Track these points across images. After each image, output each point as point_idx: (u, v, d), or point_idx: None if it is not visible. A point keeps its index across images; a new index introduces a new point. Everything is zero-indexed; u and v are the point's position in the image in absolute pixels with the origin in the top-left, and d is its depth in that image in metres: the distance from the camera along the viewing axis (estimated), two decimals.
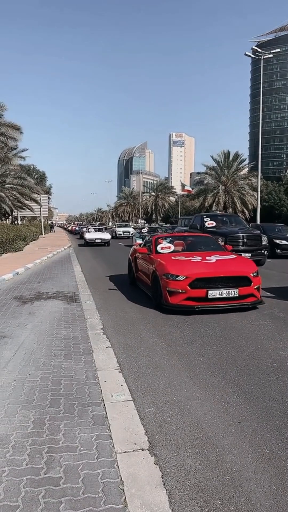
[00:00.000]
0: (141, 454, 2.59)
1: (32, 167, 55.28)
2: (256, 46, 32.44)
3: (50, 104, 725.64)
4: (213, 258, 7.21)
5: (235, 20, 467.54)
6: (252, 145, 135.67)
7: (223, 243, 12.23)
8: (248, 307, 6.69)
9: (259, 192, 31.81)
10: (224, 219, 15.42)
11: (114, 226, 44.29)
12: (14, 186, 29.51)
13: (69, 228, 74.77)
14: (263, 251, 12.85)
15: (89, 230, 29.67)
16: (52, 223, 77.56)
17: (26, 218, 44.86)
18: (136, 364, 4.36)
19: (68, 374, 3.90)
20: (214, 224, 14.09)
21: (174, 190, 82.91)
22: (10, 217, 37.29)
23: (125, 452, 2.60)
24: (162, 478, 2.39)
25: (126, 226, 43.70)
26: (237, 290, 6.50)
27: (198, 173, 51.92)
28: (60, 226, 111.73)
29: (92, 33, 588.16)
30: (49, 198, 53.36)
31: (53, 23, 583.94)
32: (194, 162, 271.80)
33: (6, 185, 29.01)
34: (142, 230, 25.31)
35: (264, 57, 29.78)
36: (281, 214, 51.59)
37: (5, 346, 4.82)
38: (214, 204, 41.14)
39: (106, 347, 4.76)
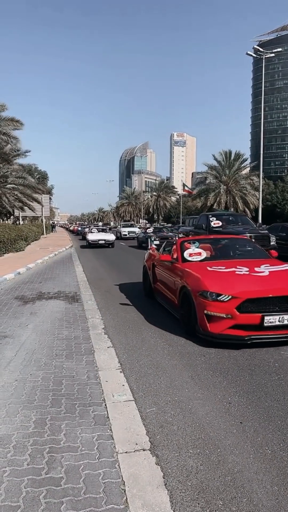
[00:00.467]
0: (142, 455, 2.58)
1: (33, 166, 55.33)
2: (257, 46, 32.34)
3: (50, 104, 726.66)
4: (264, 270, 5.52)
5: (236, 20, 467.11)
6: (253, 145, 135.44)
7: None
8: None
9: (260, 192, 31.75)
10: (230, 218, 15.08)
11: (119, 226, 41.98)
12: (16, 186, 29.54)
13: (71, 228, 74.80)
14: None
15: (92, 231, 27.55)
16: (54, 223, 77.56)
17: (27, 218, 44.89)
18: (138, 364, 4.35)
19: (69, 374, 3.89)
20: (220, 223, 13.76)
21: (175, 190, 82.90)
22: (11, 217, 37.35)
23: (126, 452, 2.59)
24: (164, 478, 2.38)
25: (131, 226, 40.74)
26: None
27: (200, 172, 51.80)
28: (61, 226, 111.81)
29: (93, 33, 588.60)
30: (50, 198, 53.38)
31: (53, 23, 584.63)
32: (196, 161, 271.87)
33: (8, 185, 29.05)
34: (147, 230, 24.98)
35: (266, 56, 29.72)
36: (283, 214, 51.49)
37: (7, 346, 4.82)
38: (215, 204, 41.11)
39: (108, 347, 4.76)
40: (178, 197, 76.56)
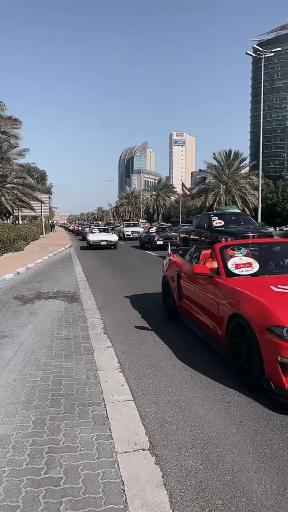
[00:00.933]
0: (141, 454, 2.58)
1: (32, 166, 55.29)
2: (257, 45, 32.36)
3: (50, 105, 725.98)
4: None
5: (236, 19, 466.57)
6: (253, 144, 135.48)
7: None
8: None
9: (260, 191, 31.76)
10: (232, 217, 14.91)
11: (122, 226, 39.52)
12: (15, 185, 29.54)
13: (70, 227, 74.72)
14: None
15: (92, 231, 25.09)
16: (53, 222, 77.53)
17: (27, 218, 44.88)
18: (137, 363, 4.35)
19: (68, 374, 3.89)
20: (223, 223, 13.60)
21: (175, 190, 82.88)
22: (11, 216, 37.33)
23: (125, 452, 2.59)
24: (163, 478, 2.38)
25: (135, 225, 38.31)
26: None
27: (199, 171, 51.82)
28: (61, 226, 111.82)
29: (93, 34, 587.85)
30: (49, 197, 53.33)
31: (53, 24, 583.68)
32: (195, 161, 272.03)
33: (7, 185, 29.05)
34: (150, 230, 24.19)
35: (265, 55, 29.71)
36: (283, 213, 51.52)
37: (6, 346, 4.81)
38: (215, 204, 41.12)
39: (107, 347, 4.75)
40: (177, 196, 76.57)
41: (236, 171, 43.58)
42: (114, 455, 2.55)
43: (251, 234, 12.17)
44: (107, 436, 2.77)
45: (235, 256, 4.84)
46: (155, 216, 78.77)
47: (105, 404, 3.24)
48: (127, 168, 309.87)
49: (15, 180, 29.49)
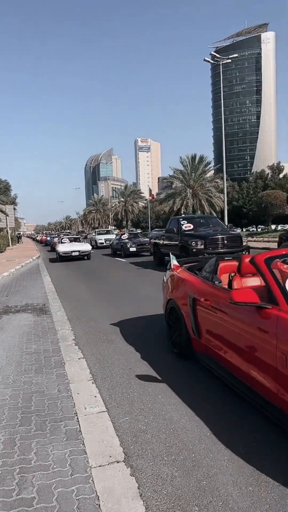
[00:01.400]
0: (116, 467, 2.53)
1: None
2: (214, 52, 33.14)
3: (13, 112, 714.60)
4: None
5: (199, 25, 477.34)
6: (216, 148, 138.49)
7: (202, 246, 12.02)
8: None
9: (225, 194, 32.42)
10: (201, 221, 15.12)
11: (94, 234, 36.52)
12: None
13: (38, 238, 73.22)
14: (244, 252, 12.48)
15: (62, 241, 22.80)
16: (20, 233, 75.92)
17: None
18: (110, 373, 4.30)
19: (39, 389, 3.79)
20: (192, 226, 13.77)
21: (142, 195, 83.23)
22: None
23: (100, 466, 2.54)
24: (139, 489, 2.35)
25: (108, 233, 35.99)
26: None
27: (166, 177, 52.38)
28: (28, 237, 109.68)
29: (56, 39, 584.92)
30: (14, 208, 52.20)
31: (15, 32, 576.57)
32: (161, 166, 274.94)
33: None
34: (122, 237, 23.30)
35: (223, 62, 30.50)
36: (249, 214, 52.73)
37: None
38: (182, 208, 41.58)
39: (79, 358, 4.67)
40: (145, 202, 76.94)
41: (202, 175, 44.27)
42: (88, 470, 2.50)
43: (220, 236, 12.40)
44: (81, 451, 2.71)
45: None
46: (124, 223, 78.76)
47: (78, 418, 3.17)
48: (93, 176, 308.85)
49: None
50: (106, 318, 6.93)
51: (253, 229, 58.02)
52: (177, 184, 44.16)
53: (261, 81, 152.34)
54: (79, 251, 20.61)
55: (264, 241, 27.54)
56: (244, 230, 54.06)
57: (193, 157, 44.48)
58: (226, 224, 15.87)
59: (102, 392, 3.76)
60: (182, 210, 40.50)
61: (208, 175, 45.74)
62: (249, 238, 30.74)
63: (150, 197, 50.41)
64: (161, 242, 15.18)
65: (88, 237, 40.79)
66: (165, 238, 14.81)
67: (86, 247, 21.09)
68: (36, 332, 5.96)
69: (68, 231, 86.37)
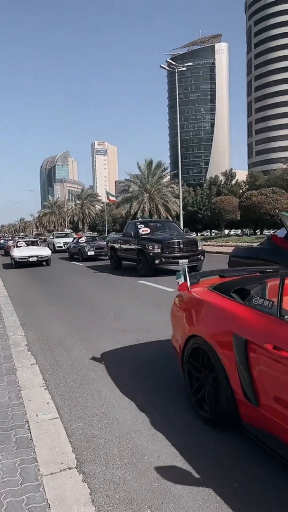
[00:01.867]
0: (68, 474, 2.50)
1: None
2: (170, 59, 33.80)
3: None
4: None
5: (157, 30, 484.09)
6: (172, 154, 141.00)
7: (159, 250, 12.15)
8: None
9: (181, 199, 33.04)
10: (158, 225, 15.27)
11: (52, 237, 35.31)
12: None
13: None
14: (199, 256, 12.80)
15: (18, 245, 20.48)
16: None
17: None
18: (63, 379, 4.23)
19: None
20: (149, 230, 13.88)
21: (99, 198, 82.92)
22: None
23: (51, 473, 2.49)
24: (91, 495, 2.32)
25: (66, 236, 34.53)
26: None
27: (124, 180, 52.54)
28: None
29: (11, 33, 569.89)
30: None
31: None
32: (118, 170, 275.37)
33: None
34: (79, 240, 22.40)
35: (178, 70, 31.15)
36: (204, 219, 53.96)
37: None
38: (139, 212, 41.87)
39: (31, 364, 4.55)
40: (102, 205, 76.65)
41: (159, 180, 44.90)
42: (39, 478, 2.44)
43: (176, 240, 12.60)
44: (32, 459, 2.65)
45: None
46: (80, 226, 77.97)
47: (29, 426, 3.09)
48: (49, 178, 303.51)
49: None
50: (61, 323, 6.82)
51: (207, 233, 59.45)
52: (134, 188, 44.44)
53: (215, 90, 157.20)
54: (37, 256, 18.63)
55: (218, 245, 28.32)
56: (199, 234, 55.22)
57: (150, 163, 45.04)
58: (183, 228, 16.11)
59: (55, 398, 3.69)
60: (139, 214, 40.76)
61: (164, 180, 46.45)
62: (204, 242, 31.49)
63: (110, 201, 50.31)
64: (118, 246, 15.18)
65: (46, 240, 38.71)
66: (122, 242, 14.83)
67: (45, 251, 19.36)
68: None
69: (23, 233, 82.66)
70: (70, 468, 2.55)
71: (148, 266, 12.42)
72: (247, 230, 53.09)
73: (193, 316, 3.46)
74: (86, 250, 20.40)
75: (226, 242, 29.95)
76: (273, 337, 2.46)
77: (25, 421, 3.17)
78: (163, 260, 12.19)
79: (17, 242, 21.36)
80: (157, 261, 12.18)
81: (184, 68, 32.41)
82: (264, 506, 2.21)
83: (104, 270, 15.43)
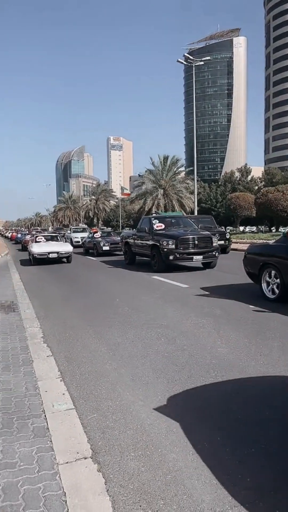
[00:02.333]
0: (84, 463, 2.55)
1: None
2: (188, 54, 33.51)
3: None
4: None
5: (173, 24, 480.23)
6: (188, 149, 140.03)
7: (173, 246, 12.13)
8: None
9: (195, 195, 32.85)
10: (172, 221, 15.20)
11: (69, 232, 34.18)
12: None
13: (7, 234, 71.06)
14: (214, 253, 12.69)
15: (37, 240, 18.97)
16: None
17: None
18: (79, 371, 4.30)
19: (6, 387, 3.74)
20: (163, 226, 13.83)
21: (114, 194, 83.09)
22: None
23: (67, 462, 2.54)
24: (106, 484, 2.37)
25: (83, 231, 33.08)
26: None
27: (138, 176, 52.53)
28: None
29: (28, 31, 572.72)
30: None
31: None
32: (133, 165, 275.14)
33: None
34: (94, 235, 22.33)
35: (196, 64, 30.87)
36: (218, 216, 53.62)
37: None
38: (153, 207, 41.82)
39: (47, 356, 4.64)
40: (117, 200, 76.82)
41: (174, 176, 44.73)
42: (55, 467, 2.50)
43: (190, 236, 12.52)
44: (48, 448, 2.71)
45: None
46: (95, 221, 78.35)
47: (45, 415, 3.16)
48: (64, 173, 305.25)
49: None
50: (76, 316, 6.90)
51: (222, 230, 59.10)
52: (148, 184, 44.35)
53: (232, 85, 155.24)
54: (57, 252, 16.99)
55: (232, 242, 28.05)
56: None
57: (165, 158, 44.85)
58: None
59: (71, 389, 3.75)
60: (153, 210, 40.70)
61: (180, 176, 46.25)
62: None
63: (124, 195, 50.45)
64: (132, 241, 15.21)
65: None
66: (136, 238, 14.84)
67: (66, 247, 17.59)
68: (4, 330, 5.86)
69: (42, 227, 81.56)
70: (85, 458, 2.60)
71: (162, 262, 12.40)
72: (263, 227, 52.60)
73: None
74: (101, 245, 20.38)
75: (241, 239, 29.69)
76: None
77: (42, 411, 3.23)
78: (177, 256, 12.13)
79: (36, 236, 20.03)
80: (171, 257, 12.14)
81: (202, 63, 32.16)
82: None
83: (118, 265, 15.50)
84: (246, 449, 2.71)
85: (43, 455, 2.62)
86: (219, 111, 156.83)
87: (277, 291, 7.29)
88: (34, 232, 27.62)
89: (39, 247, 17.27)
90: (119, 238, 20.22)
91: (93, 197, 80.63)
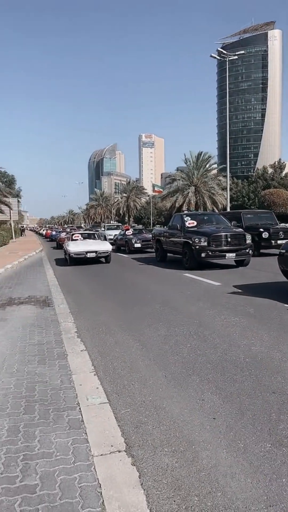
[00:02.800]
0: (118, 456, 2.59)
1: (1, 171, 54.43)
2: (221, 48, 33.00)
3: (18, 108, 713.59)
4: None
5: (204, 20, 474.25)
6: (220, 145, 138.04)
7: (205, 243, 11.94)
8: None
9: (228, 191, 32.39)
10: (205, 218, 15.01)
11: (103, 229, 33.35)
12: None
13: (41, 231, 72.12)
14: (247, 251, 12.44)
15: (73, 238, 17.72)
16: (23, 227, 75.84)
17: None
18: (112, 366, 4.35)
19: (42, 379, 3.85)
20: (195, 223, 13.67)
21: (145, 191, 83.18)
22: None
23: (101, 455, 2.59)
24: (140, 478, 2.40)
25: (117, 228, 32.16)
26: None
27: (169, 173, 52.43)
28: (31, 230, 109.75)
29: (57, 32, 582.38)
30: (19, 201, 52.25)
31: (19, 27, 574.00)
32: (165, 162, 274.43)
33: None
34: (126, 232, 22.34)
35: (229, 58, 30.36)
36: None
37: None
38: (184, 204, 41.55)
39: (81, 350, 4.73)
40: (148, 198, 76.89)
41: (205, 172, 44.24)
42: (90, 459, 2.55)
43: (223, 234, 12.33)
44: (83, 440, 2.77)
45: None
46: (126, 218, 78.77)
47: (80, 408, 3.22)
48: (96, 171, 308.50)
49: None
50: (108, 312, 6.99)
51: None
52: (179, 182, 44.07)
53: (267, 79, 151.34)
54: (96, 251, 15.67)
55: None
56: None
57: (198, 155, 44.39)
58: (232, 222, 15.61)
59: (104, 384, 3.81)
60: (185, 207, 40.42)
61: (211, 172, 45.67)
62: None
63: (156, 192, 50.49)
64: (163, 238, 15.19)
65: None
66: (168, 235, 14.81)
67: (104, 246, 16.29)
68: (39, 324, 6.02)
69: (76, 225, 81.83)
70: (119, 451, 2.64)
71: (194, 259, 12.29)
72: None
73: None
74: (133, 242, 20.43)
75: None
76: None
77: (76, 404, 3.31)
78: (210, 253, 11.99)
79: (72, 234, 18.75)
80: (203, 255, 12.01)
81: (235, 57, 31.58)
82: None
83: (149, 262, 15.53)
84: (284, 453, 2.66)
85: (79, 447, 2.68)
86: (253, 106, 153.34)
87: None
88: (68, 229, 27.41)
89: (76, 246, 16.04)
90: (150, 235, 19.89)
91: (124, 194, 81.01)
